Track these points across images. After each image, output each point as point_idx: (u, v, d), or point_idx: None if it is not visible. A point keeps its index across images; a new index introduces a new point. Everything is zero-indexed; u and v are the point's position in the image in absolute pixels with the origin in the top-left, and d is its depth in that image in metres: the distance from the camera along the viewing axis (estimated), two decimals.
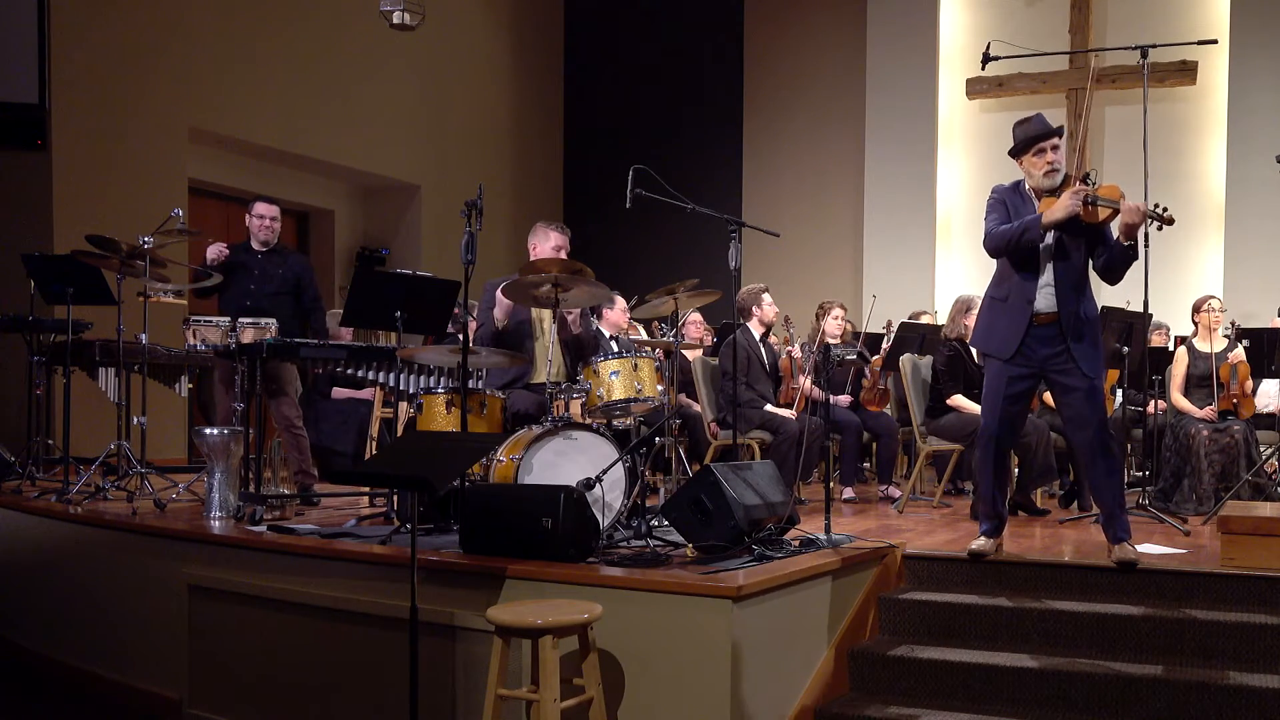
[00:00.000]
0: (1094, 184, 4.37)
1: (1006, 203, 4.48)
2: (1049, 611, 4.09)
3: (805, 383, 6.59)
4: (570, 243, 5.45)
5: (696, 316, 7.90)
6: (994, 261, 4.58)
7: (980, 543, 4.44)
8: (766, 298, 6.75)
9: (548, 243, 5.39)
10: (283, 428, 5.97)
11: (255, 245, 6.14)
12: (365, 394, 7.29)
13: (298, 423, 6.00)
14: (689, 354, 7.15)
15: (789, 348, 6.86)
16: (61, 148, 7.95)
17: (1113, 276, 4.40)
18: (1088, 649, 3.97)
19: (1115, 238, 4.31)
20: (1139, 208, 4.22)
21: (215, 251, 6.01)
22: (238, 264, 6.08)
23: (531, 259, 5.21)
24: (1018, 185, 4.53)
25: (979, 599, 4.23)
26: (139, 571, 4.93)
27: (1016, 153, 4.49)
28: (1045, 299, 4.36)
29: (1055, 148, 4.42)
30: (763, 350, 6.69)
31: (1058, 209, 4.26)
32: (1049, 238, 4.34)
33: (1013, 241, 4.34)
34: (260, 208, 6.17)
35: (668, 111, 12.54)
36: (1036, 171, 4.42)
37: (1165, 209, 4.31)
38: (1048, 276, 4.36)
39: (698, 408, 6.89)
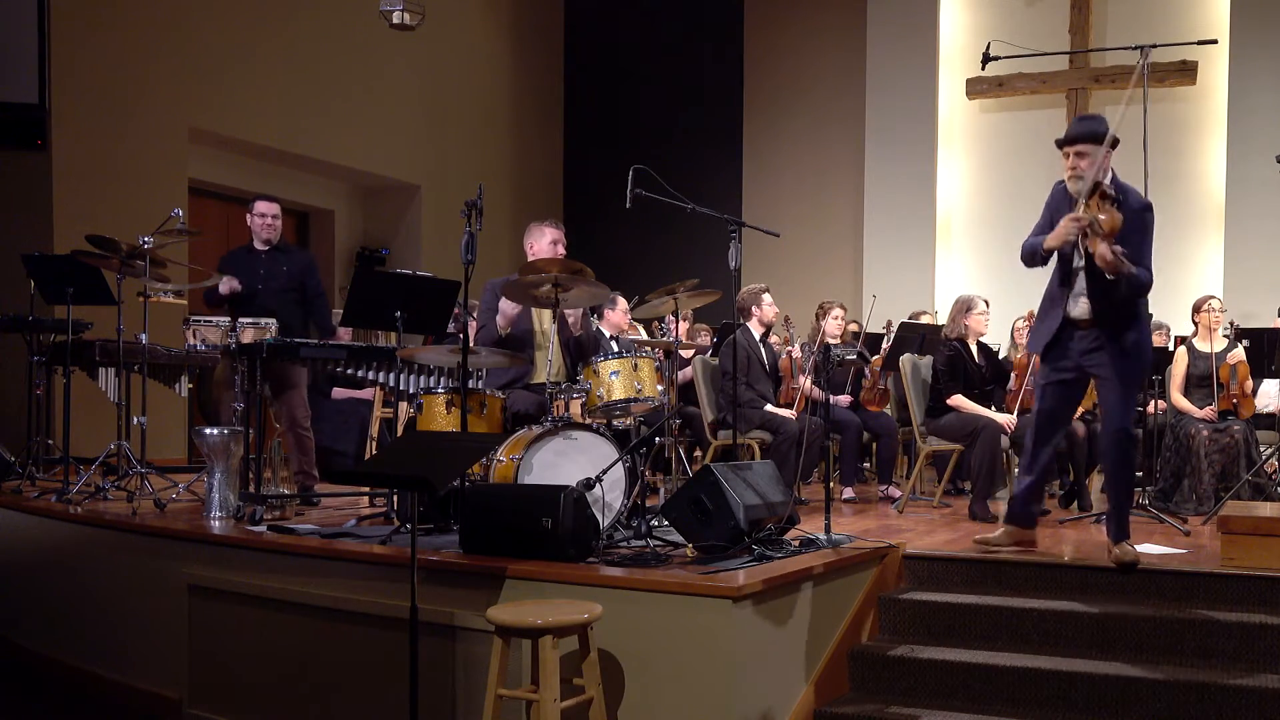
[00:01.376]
0: (1089, 198, 4.29)
1: (1052, 206, 4.54)
2: (1049, 611, 4.09)
3: (805, 383, 6.59)
4: (565, 236, 5.46)
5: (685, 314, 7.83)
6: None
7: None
8: (766, 298, 6.75)
9: (544, 239, 5.39)
10: (289, 428, 5.96)
11: (259, 245, 6.14)
12: (366, 394, 7.28)
13: (305, 423, 5.98)
14: (683, 353, 7.11)
15: (789, 348, 6.85)
16: (61, 148, 7.95)
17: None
18: (1088, 649, 3.97)
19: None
20: (1106, 257, 4.20)
21: (227, 287, 5.98)
22: (244, 266, 6.08)
23: (529, 259, 5.21)
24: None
25: (979, 599, 4.23)
26: (139, 571, 4.93)
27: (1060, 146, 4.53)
28: (1081, 307, 4.41)
29: (1080, 154, 4.39)
30: (763, 350, 6.69)
31: (1055, 235, 4.34)
32: (1079, 252, 4.36)
33: (1028, 259, 4.49)
34: (261, 206, 6.17)
35: (668, 111, 12.54)
36: (1066, 173, 4.47)
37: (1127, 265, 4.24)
38: (1080, 286, 4.40)
39: (685, 372, 6.85)
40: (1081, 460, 6.21)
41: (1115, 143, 4.44)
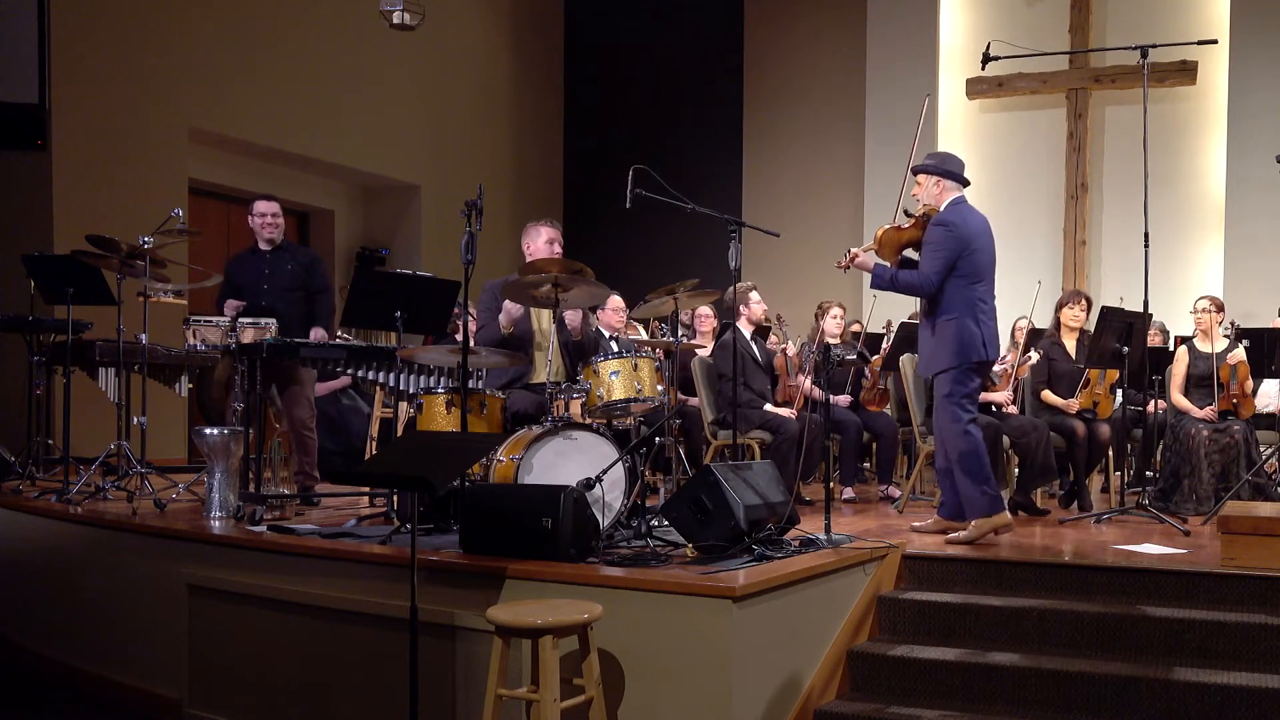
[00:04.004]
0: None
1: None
2: (1049, 611, 4.09)
3: (805, 382, 6.58)
4: (562, 234, 5.47)
5: (706, 310, 7.78)
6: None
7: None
8: (754, 295, 6.73)
9: (539, 239, 5.40)
10: (292, 427, 5.97)
11: (262, 245, 6.13)
12: (339, 383, 7.30)
13: (310, 423, 5.98)
14: (701, 352, 7.05)
15: (783, 345, 6.84)
16: (61, 148, 7.94)
17: None
18: (1088, 649, 3.97)
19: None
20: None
21: (231, 311, 5.92)
22: (249, 269, 6.07)
23: (528, 260, 5.21)
24: None
25: (979, 599, 4.23)
26: (139, 571, 4.93)
27: None
28: None
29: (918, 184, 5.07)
30: (754, 348, 6.67)
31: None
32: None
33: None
34: (261, 205, 6.16)
35: (668, 111, 12.53)
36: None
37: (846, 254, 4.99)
38: None
39: (694, 401, 6.85)
40: (1081, 459, 6.21)
41: (915, 171, 5.13)
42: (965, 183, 5.03)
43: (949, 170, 5.02)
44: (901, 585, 4.45)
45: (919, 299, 5.03)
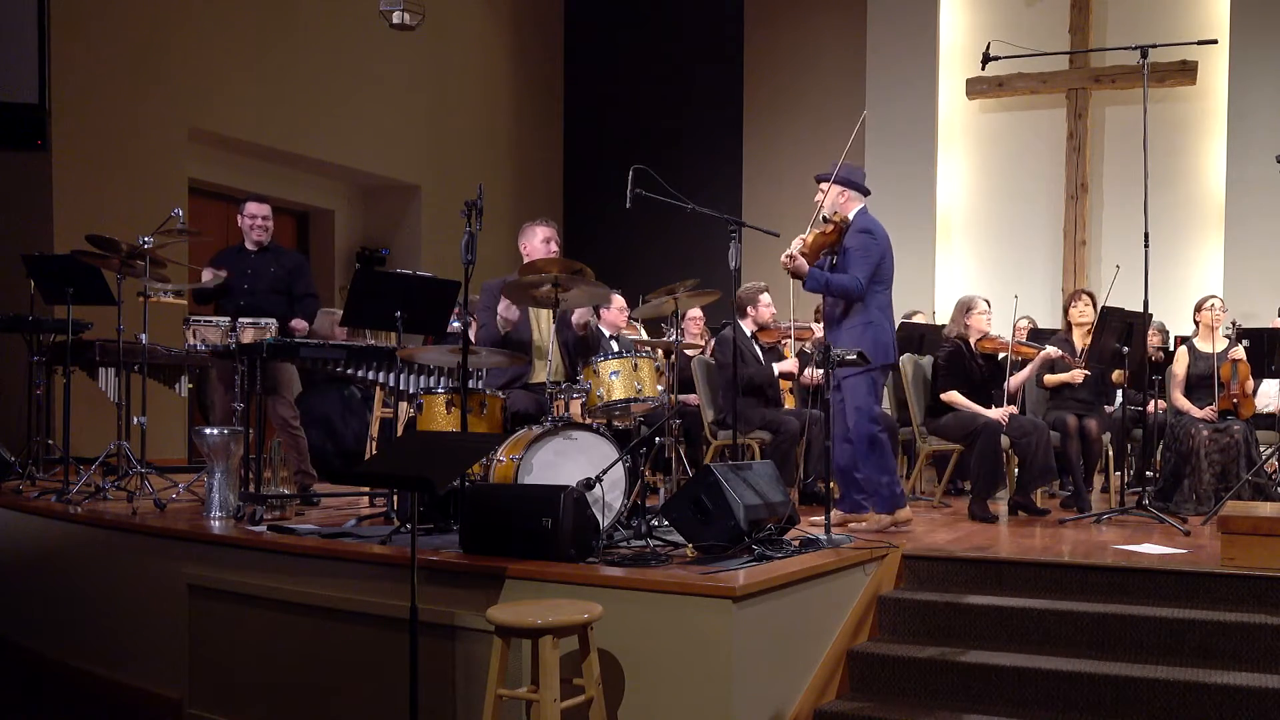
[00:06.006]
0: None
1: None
2: (1049, 611, 4.09)
3: (816, 375, 6.57)
4: (560, 232, 5.48)
5: (696, 313, 7.81)
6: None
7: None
8: (764, 298, 6.73)
9: (535, 238, 5.39)
10: (279, 427, 5.98)
11: (249, 245, 6.14)
12: None
13: (294, 422, 6.00)
14: (692, 353, 7.07)
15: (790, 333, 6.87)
16: (61, 148, 7.94)
17: None
18: (1088, 649, 3.97)
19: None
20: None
21: (209, 276, 5.95)
22: (233, 265, 6.08)
23: (525, 260, 5.21)
24: None
25: (979, 599, 4.23)
26: (139, 571, 4.94)
27: None
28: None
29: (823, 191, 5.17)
30: (755, 347, 6.66)
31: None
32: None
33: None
34: (252, 207, 6.17)
35: (668, 111, 12.53)
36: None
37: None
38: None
39: (694, 400, 6.84)
40: (1075, 454, 6.19)
41: (819, 179, 5.26)
42: (866, 192, 5.23)
43: (853, 181, 5.22)
44: (901, 585, 4.45)
45: (823, 300, 5.22)
